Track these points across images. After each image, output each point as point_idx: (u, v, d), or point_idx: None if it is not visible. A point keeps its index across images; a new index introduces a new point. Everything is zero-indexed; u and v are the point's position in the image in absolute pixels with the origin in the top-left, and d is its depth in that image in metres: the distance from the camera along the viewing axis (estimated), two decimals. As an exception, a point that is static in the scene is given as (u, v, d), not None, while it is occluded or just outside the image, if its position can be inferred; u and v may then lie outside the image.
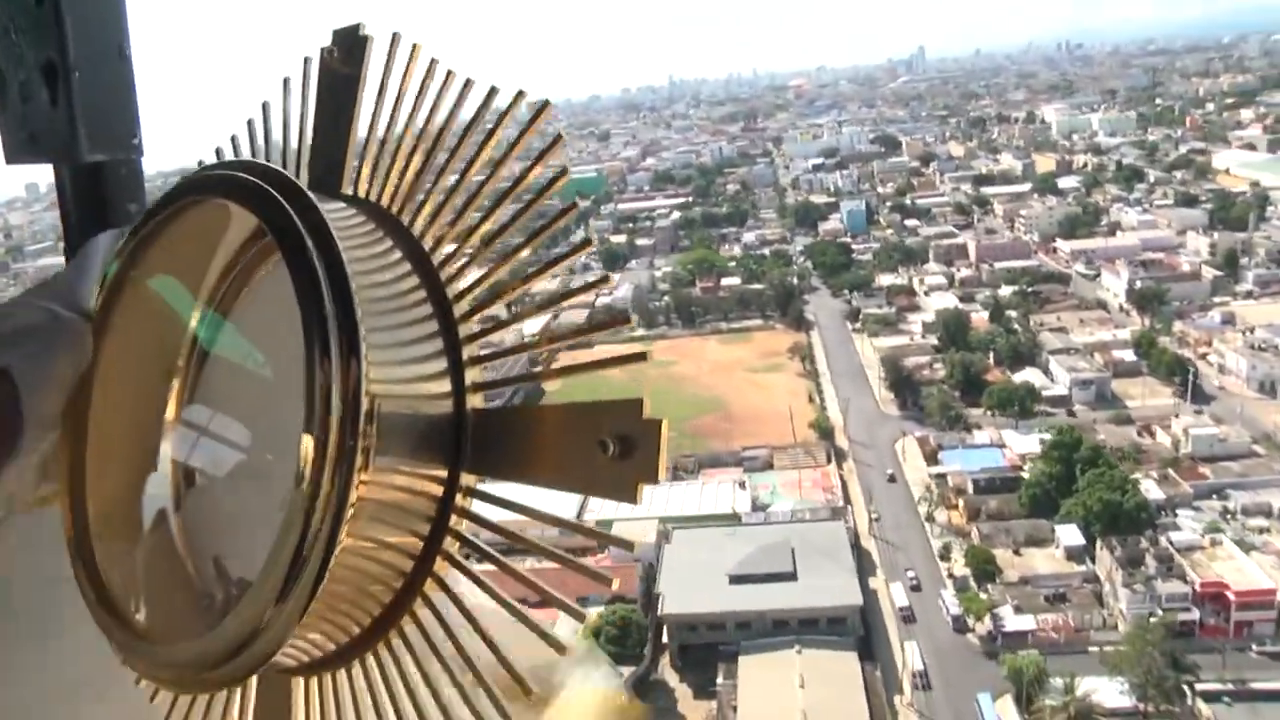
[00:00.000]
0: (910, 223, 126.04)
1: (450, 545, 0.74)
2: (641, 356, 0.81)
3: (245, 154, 0.96)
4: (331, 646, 0.75)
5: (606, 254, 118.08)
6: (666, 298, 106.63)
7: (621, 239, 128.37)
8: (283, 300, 0.69)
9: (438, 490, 0.72)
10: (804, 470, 69.34)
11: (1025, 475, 62.64)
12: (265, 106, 0.94)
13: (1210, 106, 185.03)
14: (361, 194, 0.82)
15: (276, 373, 0.76)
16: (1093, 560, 54.11)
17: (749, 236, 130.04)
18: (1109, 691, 44.24)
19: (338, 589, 0.69)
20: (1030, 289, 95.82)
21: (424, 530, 0.73)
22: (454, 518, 0.74)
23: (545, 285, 0.77)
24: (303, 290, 0.66)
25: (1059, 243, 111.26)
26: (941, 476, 66.12)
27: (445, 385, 0.72)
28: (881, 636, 50.90)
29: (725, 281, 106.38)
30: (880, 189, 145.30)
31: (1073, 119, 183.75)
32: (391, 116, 0.81)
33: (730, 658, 48.12)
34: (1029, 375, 79.84)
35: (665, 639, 49.69)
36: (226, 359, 0.84)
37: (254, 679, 0.79)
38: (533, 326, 0.81)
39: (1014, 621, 50.17)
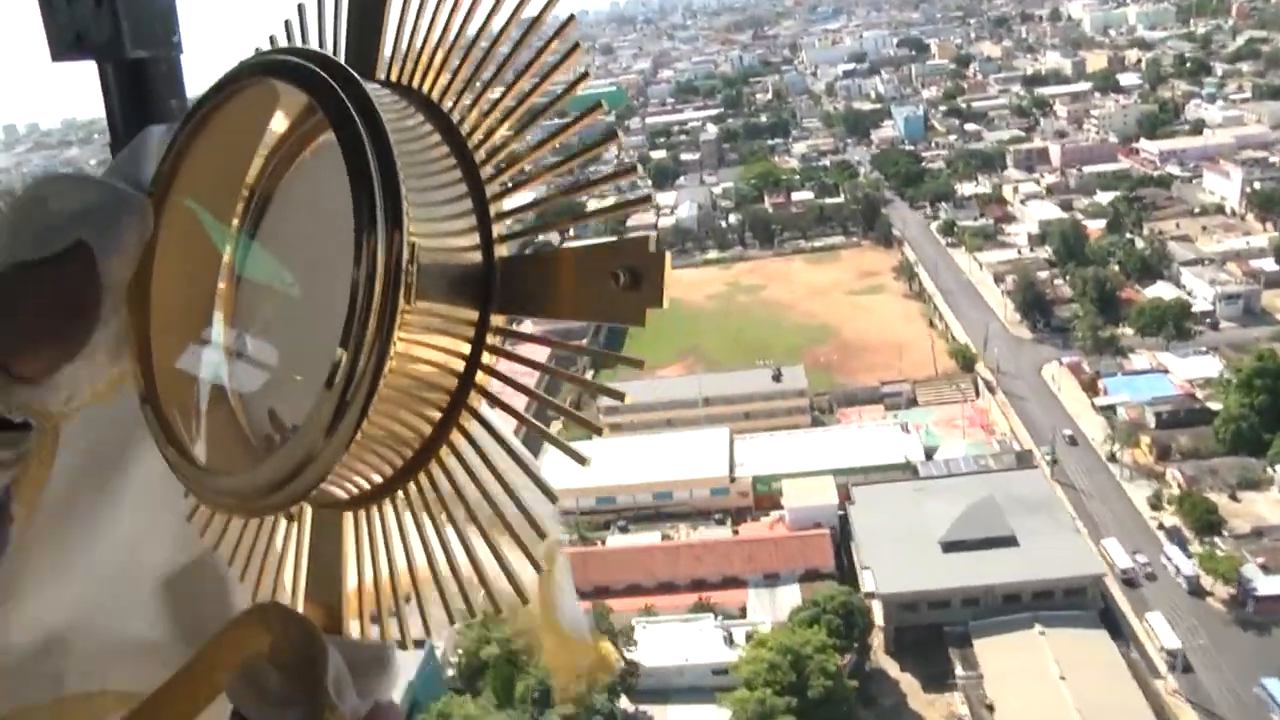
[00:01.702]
0: (970, 127, 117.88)
1: (483, 379, 0.79)
2: (646, 199, 0.90)
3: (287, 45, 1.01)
4: (377, 478, 0.81)
5: (655, 171, 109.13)
6: (733, 216, 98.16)
7: (660, 154, 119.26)
8: (332, 169, 0.74)
9: (469, 330, 0.78)
10: (951, 405, 62.25)
11: (1214, 406, 55.57)
12: (301, 7, 0.99)
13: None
14: (395, 79, 0.88)
15: (324, 238, 0.80)
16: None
17: (800, 147, 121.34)
18: None
19: (382, 421, 0.74)
20: (1133, 195, 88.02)
21: (459, 366, 0.78)
22: (485, 355, 0.79)
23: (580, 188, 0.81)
24: (350, 155, 0.72)
25: (1143, 143, 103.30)
26: (1109, 408, 59.20)
27: (474, 238, 0.78)
28: (1113, 606, 44.13)
29: (795, 196, 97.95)
30: (926, 93, 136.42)
31: (1107, 14, 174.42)
32: (419, 9, 0.86)
33: (960, 641, 41.31)
34: (1160, 290, 72.72)
35: (880, 621, 42.59)
36: (275, 228, 0.90)
37: (308, 513, 0.89)
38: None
39: (1266, 583, 43.35)
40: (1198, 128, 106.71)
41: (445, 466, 0.80)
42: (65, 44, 1.52)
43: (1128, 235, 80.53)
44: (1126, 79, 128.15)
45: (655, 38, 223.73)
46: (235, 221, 0.91)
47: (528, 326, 0.80)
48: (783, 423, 59.34)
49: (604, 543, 49.72)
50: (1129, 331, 66.52)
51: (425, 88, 0.85)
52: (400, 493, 0.82)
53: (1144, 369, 62.58)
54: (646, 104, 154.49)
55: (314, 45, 0.95)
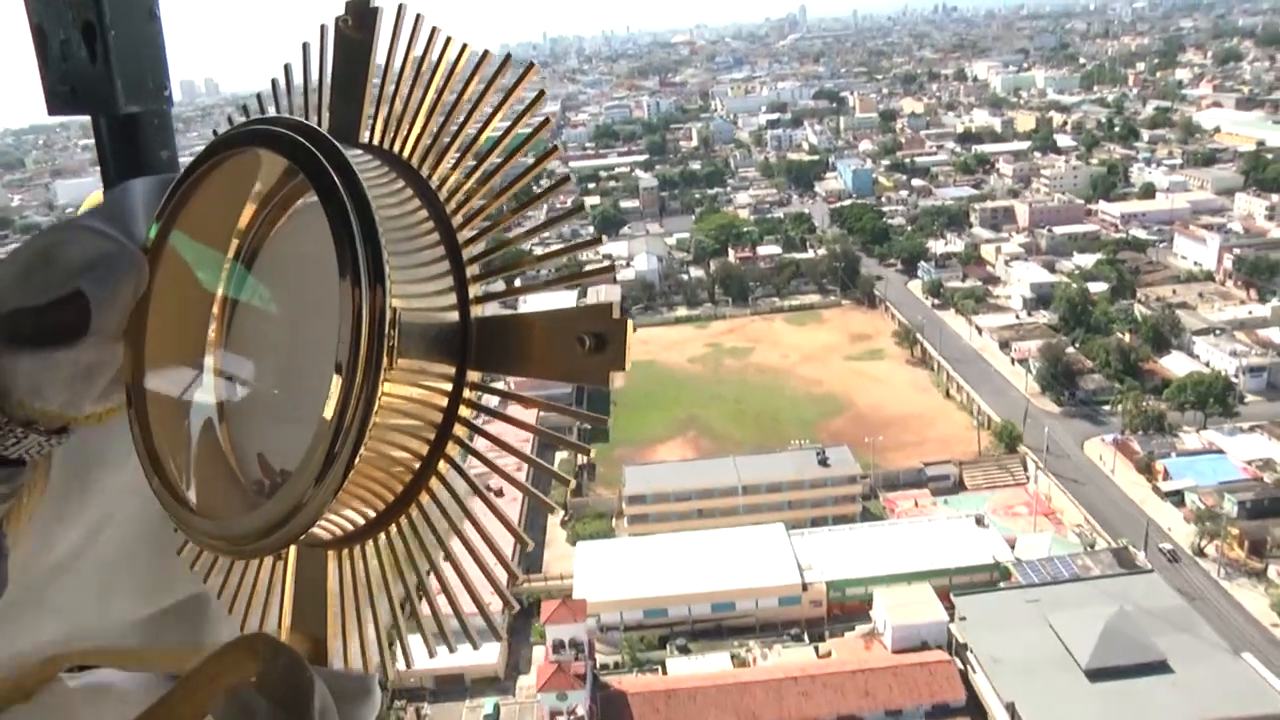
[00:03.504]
0: (917, 183, 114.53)
1: (460, 431, 0.84)
2: (597, 241, 0.95)
3: (271, 112, 1.05)
4: (360, 521, 0.87)
5: (600, 219, 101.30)
6: (694, 269, 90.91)
7: (594, 200, 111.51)
8: (313, 234, 0.78)
9: (447, 385, 0.83)
10: (1001, 489, 56.01)
11: (1298, 493, 50.83)
12: (287, 69, 1.04)
13: (1141, 66, 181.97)
14: (375, 143, 0.93)
15: (307, 297, 0.86)
16: None
17: (742, 197, 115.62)
18: None
19: (367, 470, 0.80)
20: (1116, 258, 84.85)
21: (437, 419, 0.84)
22: (462, 407, 0.84)
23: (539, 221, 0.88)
24: (334, 222, 0.76)
25: (1103, 205, 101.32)
26: (1176, 494, 53.93)
27: (452, 299, 0.84)
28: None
29: (761, 250, 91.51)
30: (861, 146, 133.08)
31: (1016, 77, 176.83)
32: (399, 77, 0.91)
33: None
34: (1176, 361, 68.79)
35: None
36: (261, 286, 0.94)
37: (293, 552, 0.94)
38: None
39: None
40: (1148, 191, 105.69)
41: (424, 511, 0.86)
42: (61, 98, 1.57)
43: (1130, 302, 76.83)
44: (1062, 140, 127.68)
45: (557, 81, 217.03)
46: (224, 276, 0.95)
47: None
48: (830, 512, 51.85)
49: (664, 668, 40.89)
50: (1159, 405, 61.70)
51: (405, 152, 0.90)
52: (382, 534, 0.88)
53: (1197, 449, 57.77)
54: (565, 148, 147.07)
55: (299, 108, 1.01)
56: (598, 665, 39.63)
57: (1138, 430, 60.05)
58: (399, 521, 0.87)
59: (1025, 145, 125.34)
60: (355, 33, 0.96)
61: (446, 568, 0.87)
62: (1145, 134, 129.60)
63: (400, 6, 0.92)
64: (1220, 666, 37.90)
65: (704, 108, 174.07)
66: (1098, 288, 77.56)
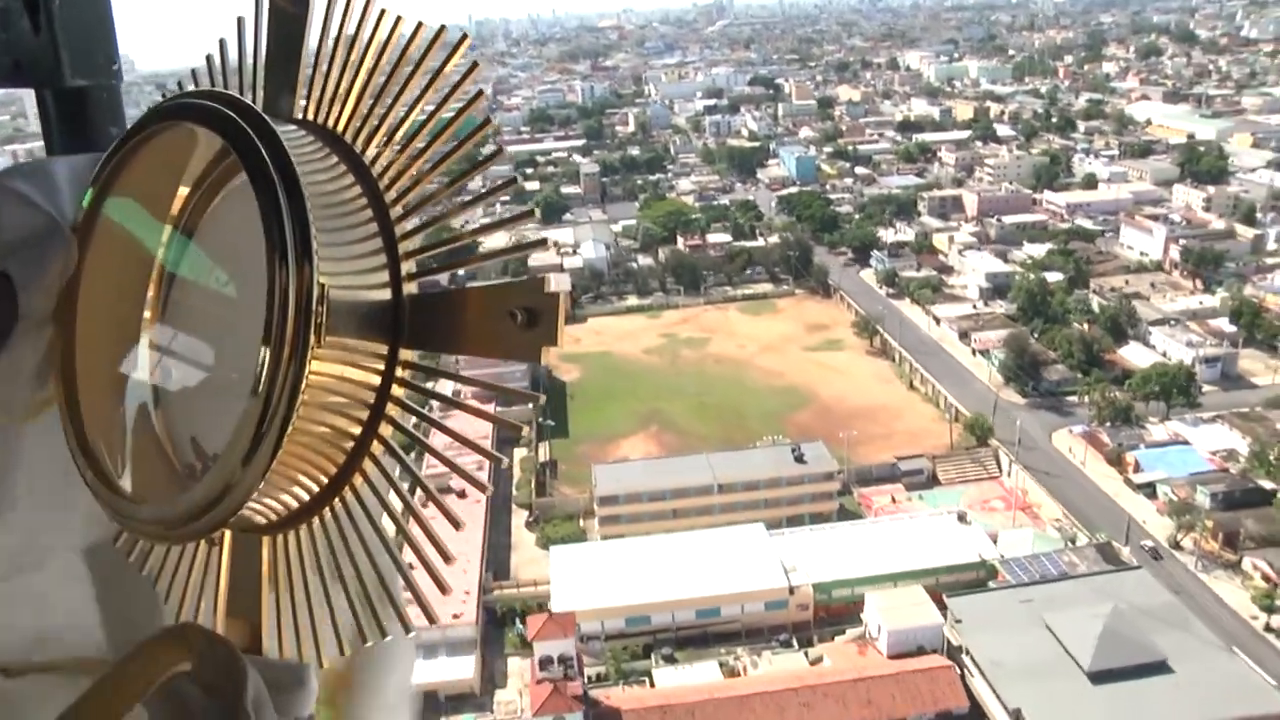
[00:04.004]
0: (860, 170, 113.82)
1: (393, 411, 0.83)
2: (541, 243, 0.92)
3: (206, 86, 1.04)
4: (294, 505, 0.85)
5: (542, 206, 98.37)
6: (643, 257, 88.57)
7: (533, 185, 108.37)
8: (246, 210, 0.77)
9: (380, 364, 0.82)
10: (975, 483, 55.00)
11: (1266, 485, 50.77)
12: (222, 43, 1.03)
13: (1069, 59, 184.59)
14: (309, 119, 0.92)
15: (240, 274, 0.84)
16: None
17: (684, 184, 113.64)
18: None
19: (297, 450, 0.78)
20: (1067, 248, 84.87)
21: (370, 398, 0.82)
22: (395, 387, 0.83)
23: (475, 191, 0.87)
24: (263, 199, 0.75)
25: (1047, 195, 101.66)
26: (1148, 486, 53.51)
27: (384, 276, 0.82)
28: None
29: (711, 238, 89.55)
30: (801, 133, 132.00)
31: (950, 67, 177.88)
32: (333, 50, 0.90)
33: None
34: (1134, 351, 68.83)
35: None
36: (195, 265, 0.92)
37: (228, 538, 0.92)
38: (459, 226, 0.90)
39: None
40: (1090, 182, 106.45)
41: (358, 493, 0.84)
42: (2, 71, 1.48)
43: (1085, 292, 76.74)
44: (1001, 130, 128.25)
45: (486, 64, 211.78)
46: (159, 253, 0.92)
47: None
48: (807, 510, 50.15)
49: (651, 679, 38.72)
50: (1125, 397, 61.35)
51: (339, 127, 0.89)
52: (316, 518, 0.86)
53: (1164, 440, 57.52)
54: (499, 132, 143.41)
55: (233, 83, 0.99)
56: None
57: (1105, 422, 59.64)
58: (333, 505, 0.86)
59: (966, 134, 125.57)
60: (290, 5, 0.94)
61: (382, 552, 0.85)
62: (1081, 125, 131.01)
63: None
64: (1217, 665, 37.14)
65: (638, 93, 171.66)
66: (1053, 278, 77.29)
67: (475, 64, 0.87)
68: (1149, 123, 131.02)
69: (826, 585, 42.98)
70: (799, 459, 50.84)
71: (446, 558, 0.86)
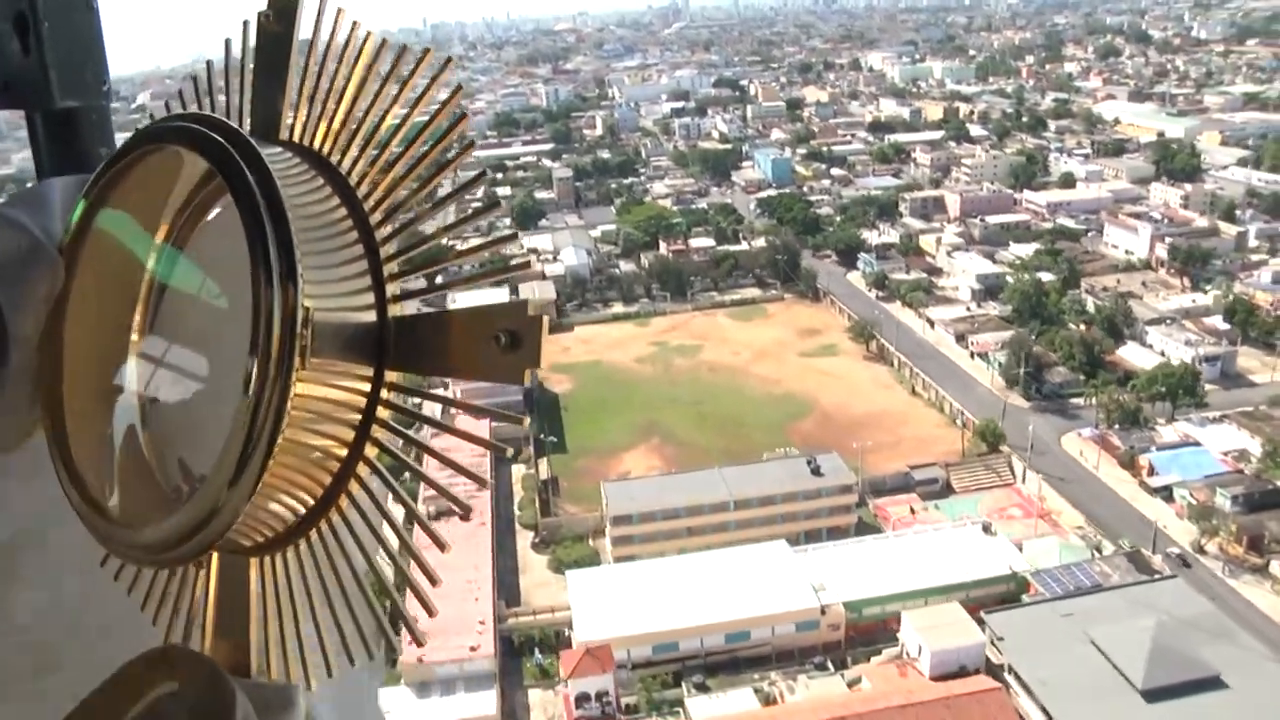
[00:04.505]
0: (836, 172, 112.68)
1: (378, 432, 0.84)
2: (526, 265, 0.97)
3: (193, 107, 1.04)
4: (280, 527, 0.85)
5: (518, 212, 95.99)
6: (625, 263, 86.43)
7: (504, 191, 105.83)
8: (231, 233, 0.78)
9: (365, 385, 0.82)
10: (990, 490, 53.60)
11: (1287, 485, 49.86)
12: (209, 64, 1.03)
13: (1030, 59, 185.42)
14: (296, 139, 0.92)
15: (226, 296, 0.85)
16: None
17: (659, 187, 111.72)
18: None
19: (283, 472, 0.78)
20: (1054, 248, 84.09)
21: (355, 420, 0.83)
22: (380, 409, 0.83)
23: (454, 217, 0.88)
24: (248, 223, 0.75)
25: (1027, 194, 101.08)
26: (1164, 489, 52.47)
27: (369, 298, 0.83)
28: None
29: (695, 243, 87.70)
30: (773, 134, 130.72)
31: (914, 68, 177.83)
32: (320, 71, 0.91)
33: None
34: (1132, 351, 67.98)
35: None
36: (182, 286, 0.92)
37: (215, 559, 0.91)
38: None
39: None
40: (1068, 181, 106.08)
41: (344, 515, 0.84)
42: None
43: (1077, 292, 75.91)
44: (974, 130, 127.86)
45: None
46: (146, 277, 0.93)
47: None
48: (824, 524, 48.36)
49: (685, 710, 36.63)
50: (1132, 398, 60.34)
51: (325, 149, 0.90)
52: (303, 540, 0.86)
53: (1175, 442, 56.52)
54: (465, 137, 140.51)
55: (220, 104, 1.00)
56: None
57: (1113, 424, 58.60)
58: (319, 527, 0.85)
59: (939, 135, 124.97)
60: (276, 27, 0.95)
61: (368, 573, 0.85)
62: (1052, 124, 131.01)
63: (320, 1, 0.92)
64: (1271, 678, 35.78)
65: (602, 95, 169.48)
66: (1045, 278, 76.36)
67: (459, 87, 0.88)
68: (1117, 121, 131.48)
69: (857, 604, 41.18)
70: (815, 471, 49.03)
71: (433, 580, 0.86)
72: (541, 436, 56.00)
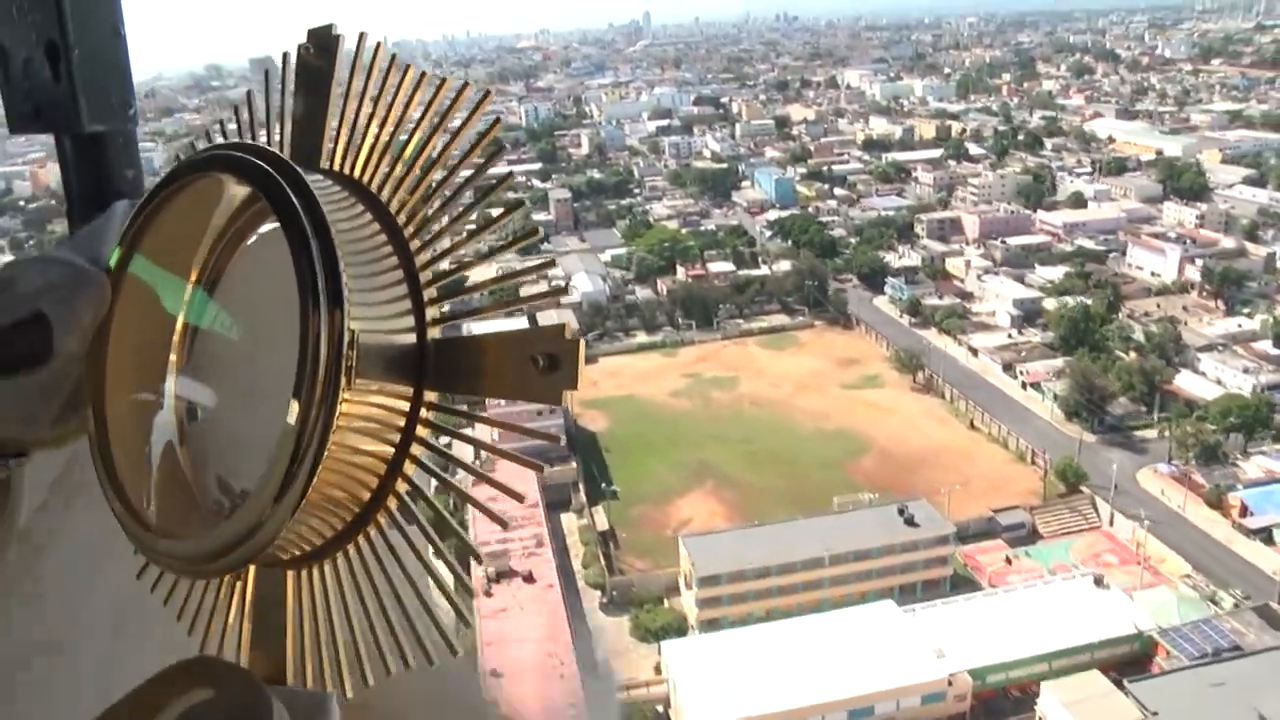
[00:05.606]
0: (840, 192, 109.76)
1: (417, 450, 0.87)
2: (563, 290, 0.97)
3: (234, 138, 1.07)
4: (319, 541, 0.88)
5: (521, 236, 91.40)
6: (640, 289, 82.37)
7: (496, 213, 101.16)
8: (274, 257, 0.80)
9: (405, 405, 0.85)
10: (1079, 534, 50.19)
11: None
12: (250, 95, 1.06)
13: (1006, 76, 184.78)
14: (335, 168, 0.95)
15: (268, 320, 0.87)
16: None
17: (659, 209, 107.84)
18: None
19: (325, 489, 0.81)
20: (1084, 271, 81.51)
21: (395, 438, 0.86)
22: (419, 427, 0.86)
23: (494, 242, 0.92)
24: (295, 247, 0.78)
25: (1041, 214, 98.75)
26: (1262, 531, 49.42)
27: (409, 321, 0.86)
28: None
29: (714, 268, 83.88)
30: (766, 154, 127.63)
31: (895, 86, 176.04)
32: (360, 103, 0.93)
33: None
34: (1188, 380, 65.25)
35: None
36: (223, 309, 0.96)
37: (252, 572, 0.95)
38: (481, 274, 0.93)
39: None
40: (1079, 200, 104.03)
41: (383, 529, 0.87)
42: (24, 118, 1.58)
43: (1118, 317, 73.23)
44: (972, 148, 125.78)
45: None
46: (186, 300, 0.97)
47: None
48: (919, 578, 44.50)
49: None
50: (1208, 431, 57.42)
51: (364, 178, 0.92)
52: (340, 554, 0.89)
53: (1260, 479, 53.63)
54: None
55: (261, 136, 1.02)
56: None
57: (1187, 459, 55.60)
58: (357, 540, 0.89)
59: (938, 153, 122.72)
60: (316, 60, 0.97)
61: (406, 586, 0.89)
62: (1049, 143, 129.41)
63: (361, 35, 0.95)
64: None
65: (580, 114, 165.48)
66: (1085, 303, 73.56)
67: (498, 119, 0.92)
68: (1111, 140, 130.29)
69: (980, 670, 37.34)
70: (909, 521, 45.14)
71: (468, 592, 0.89)
72: (606, 486, 51.57)
